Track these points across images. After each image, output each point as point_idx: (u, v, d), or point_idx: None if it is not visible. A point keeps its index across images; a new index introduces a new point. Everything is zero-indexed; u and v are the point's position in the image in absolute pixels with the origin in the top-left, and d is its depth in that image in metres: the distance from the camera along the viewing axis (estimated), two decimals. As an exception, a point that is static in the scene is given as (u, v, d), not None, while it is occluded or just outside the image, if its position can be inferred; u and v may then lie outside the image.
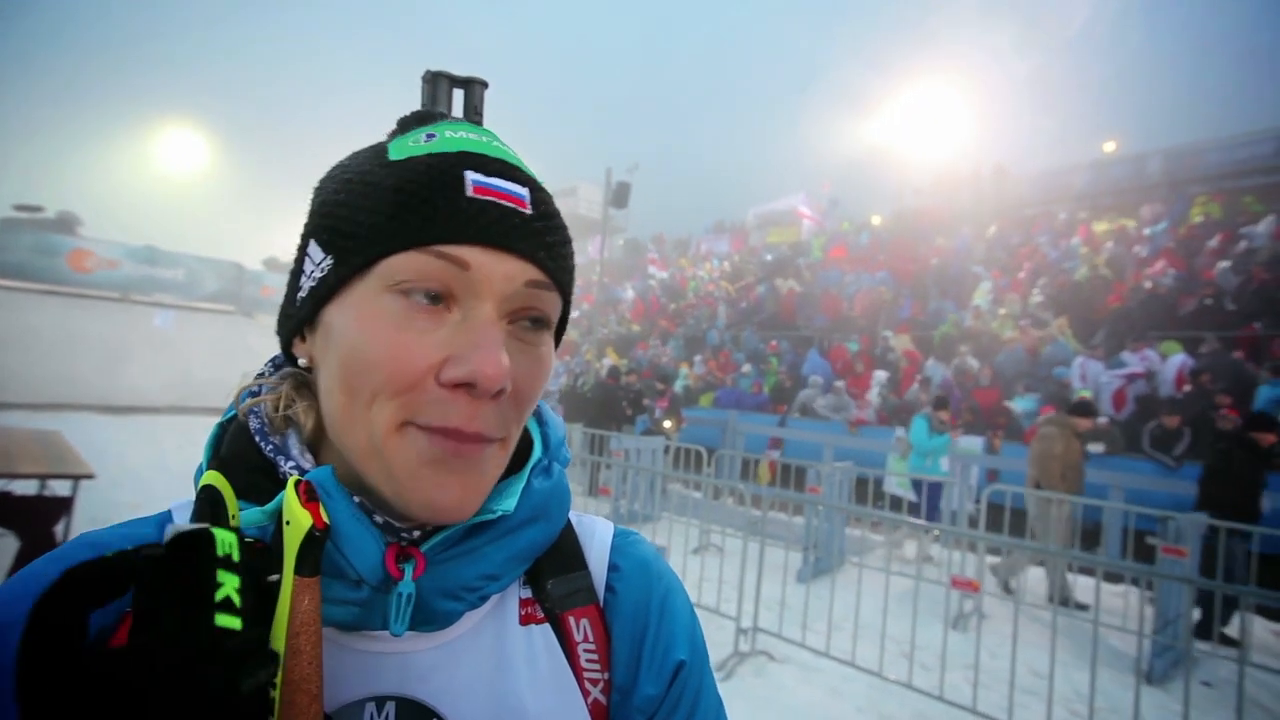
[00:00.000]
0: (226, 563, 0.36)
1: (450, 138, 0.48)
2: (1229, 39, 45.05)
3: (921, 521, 5.93)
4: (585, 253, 29.14)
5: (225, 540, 0.36)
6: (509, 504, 0.50)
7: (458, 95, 0.60)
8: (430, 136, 0.48)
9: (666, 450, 8.24)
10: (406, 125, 0.52)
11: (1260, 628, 5.01)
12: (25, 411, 11.71)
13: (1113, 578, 5.83)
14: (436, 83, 0.60)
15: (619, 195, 14.22)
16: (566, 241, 0.50)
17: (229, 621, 0.34)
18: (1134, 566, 4.44)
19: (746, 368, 12.56)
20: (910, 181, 22.73)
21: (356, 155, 0.50)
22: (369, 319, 0.44)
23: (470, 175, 0.45)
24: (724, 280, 19.09)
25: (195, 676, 0.32)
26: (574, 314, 17.59)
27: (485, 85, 0.62)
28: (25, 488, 4.14)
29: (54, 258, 15.34)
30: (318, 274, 0.47)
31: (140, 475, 7.50)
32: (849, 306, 13.80)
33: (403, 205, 0.44)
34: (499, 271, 0.45)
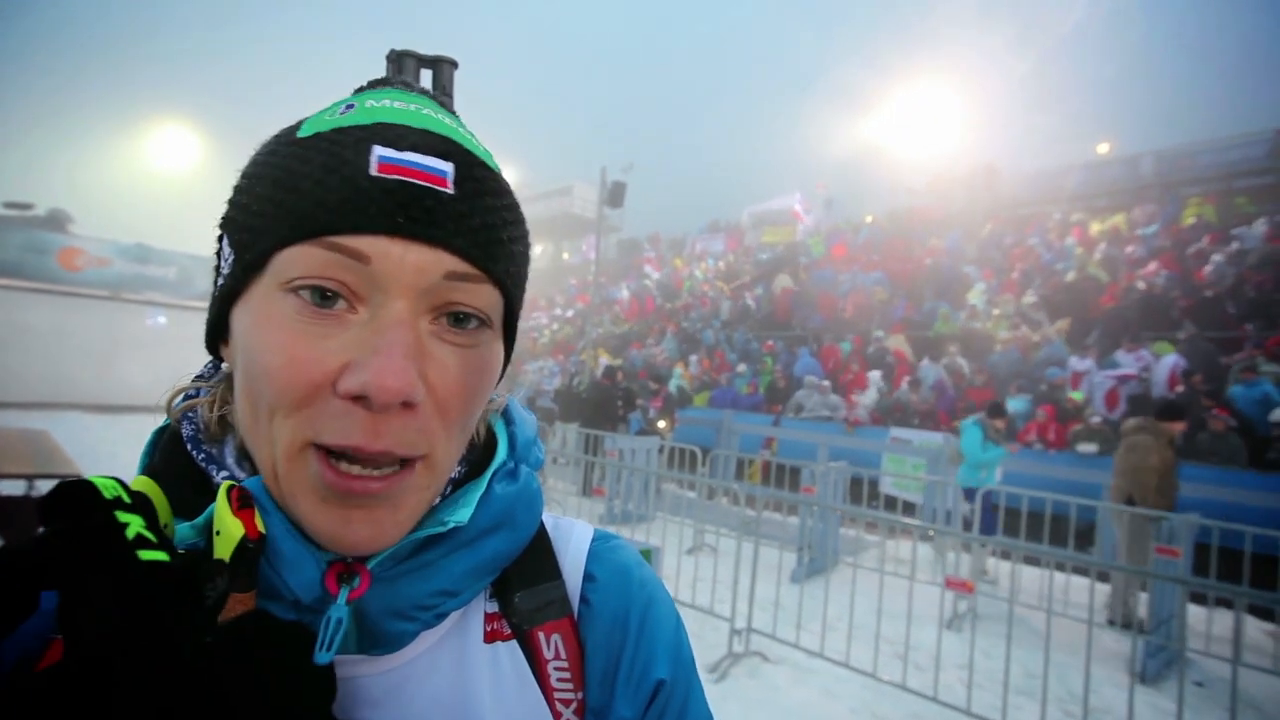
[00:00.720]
0: (119, 505, 0.34)
1: (369, 108, 0.42)
2: (1222, 41, 45.36)
3: (916, 521, 5.92)
4: (580, 252, 29.17)
5: (107, 485, 0.35)
6: (463, 514, 0.45)
7: (426, 76, 0.57)
8: (349, 108, 0.42)
9: (661, 450, 8.23)
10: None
11: (1252, 628, 5.02)
12: (15, 410, 11.61)
13: (1107, 578, 5.84)
14: (402, 63, 0.56)
15: (614, 195, 14.19)
16: (503, 224, 0.43)
17: (155, 555, 0.33)
18: (1128, 567, 4.45)
19: (741, 368, 12.57)
20: (904, 182, 22.80)
21: (276, 133, 0.45)
22: (264, 323, 0.39)
23: (378, 151, 0.39)
24: (719, 280, 19.10)
25: (153, 614, 0.31)
26: (568, 313, 17.47)
27: (454, 65, 0.58)
28: (12, 488, 4.09)
29: (45, 256, 15.24)
30: (226, 269, 0.43)
31: (130, 475, 7.42)
32: (843, 306, 13.82)
33: (293, 190, 0.39)
34: (408, 263, 0.38)
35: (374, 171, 0.39)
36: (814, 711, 3.63)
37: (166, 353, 15.18)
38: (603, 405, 9.60)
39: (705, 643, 4.28)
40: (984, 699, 3.59)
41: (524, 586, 0.51)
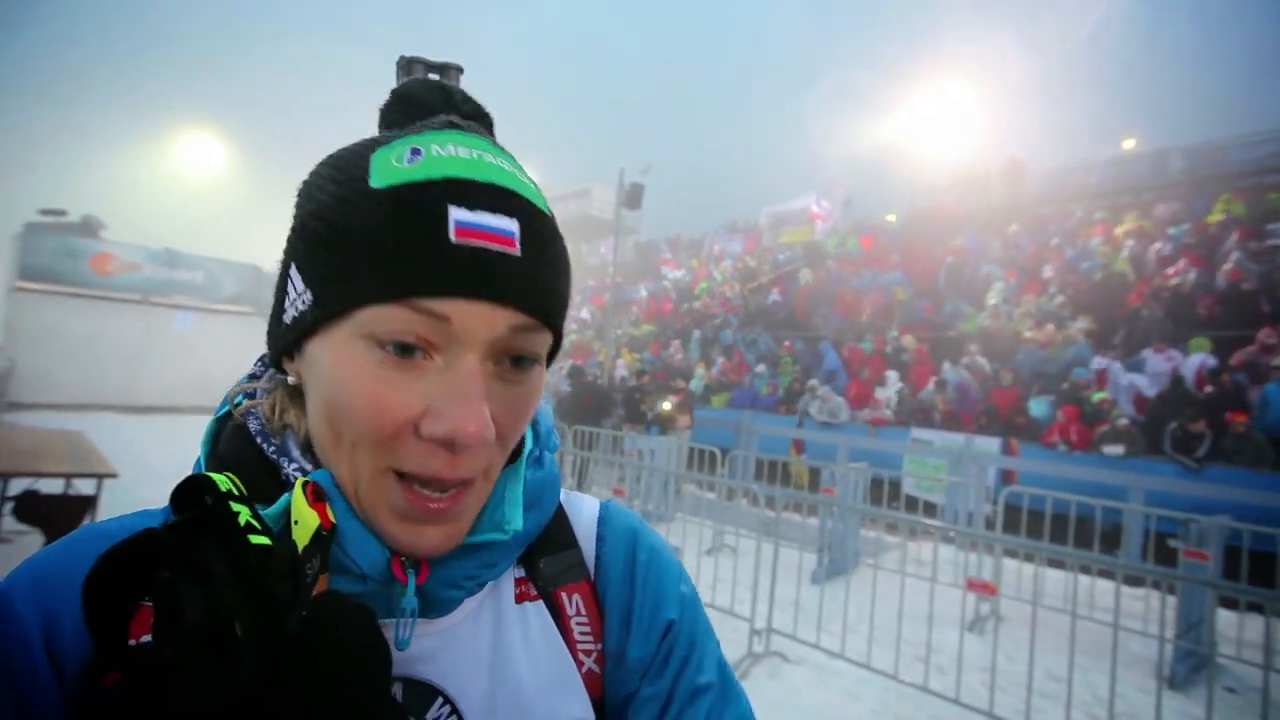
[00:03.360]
0: (230, 496, 0.39)
1: (436, 156, 0.45)
2: (1249, 35, 44.32)
3: (938, 523, 5.87)
4: (599, 254, 29.23)
5: (222, 480, 0.40)
6: (517, 521, 0.52)
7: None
8: (415, 153, 0.45)
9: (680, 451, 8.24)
10: (392, 116, 0.52)
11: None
12: (49, 411, 11.94)
13: (1133, 581, 5.75)
14: (411, 69, 0.59)
15: (632, 196, 14.22)
16: (557, 274, 0.48)
17: (261, 540, 0.38)
18: (1155, 570, 4.38)
19: (761, 368, 12.52)
20: (925, 181, 22.53)
21: (340, 167, 0.47)
22: (348, 366, 0.43)
23: (454, 213, 0.43)
24: (737, 280, 19.04)
25: (263, 587, 0.36)
26: (584, 314, 17.50)
27: (460, 70, 0.61)
28: (51, 486, 4.23)
29: (77, 261, 15.64)
30: (300, 305, 0.46)
31: (162, 474, 7.60)
32: (862, 306, 13.70)
33: (380, 251, 0.42)
34: (483, 321, 0.43)
35: (453, 238, 0.42)
36: (835, 713, 3.63)
37: (194, 355, 15.52)
38: (589, 404, 10.21)
39: (725, 643, 4.19)
40: (1007, 702, 3.56)
41: (547, 554, 0.58)
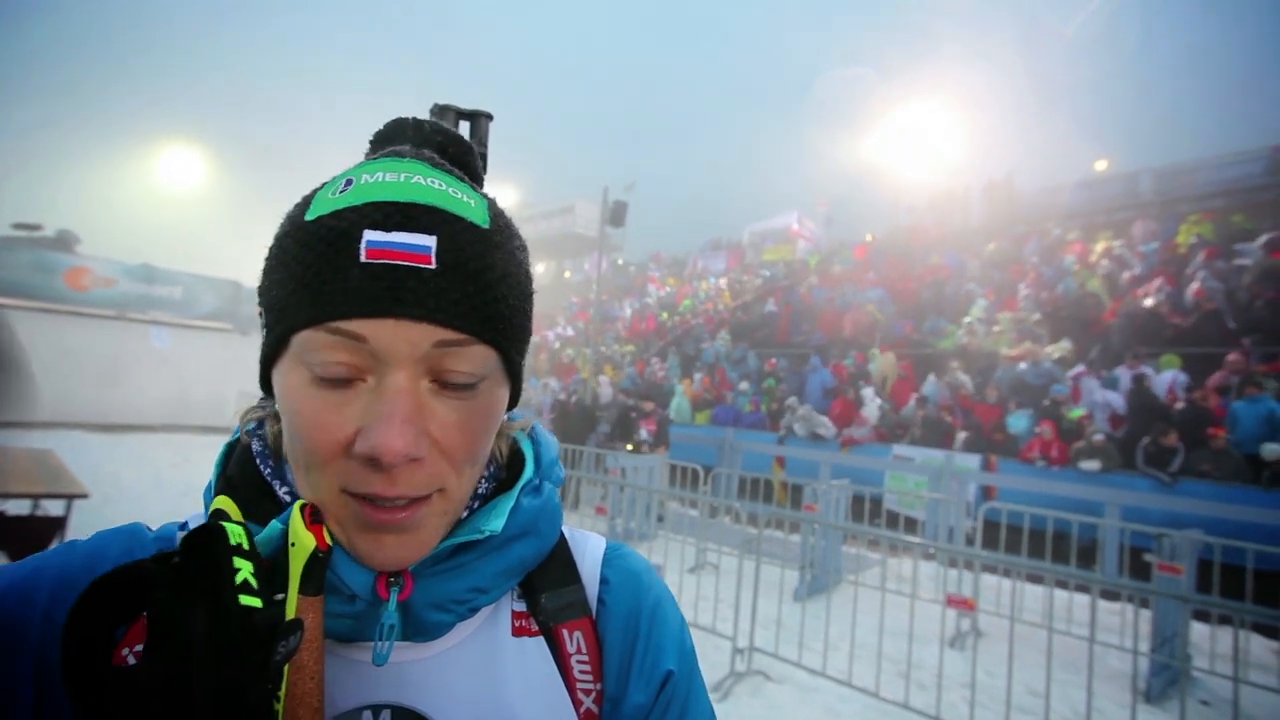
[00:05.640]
0: (239, 551, 0.39)
1: (365, 185, 0.46)
2: (1218, 59, 45.82)
3: (918, 539, 5.90)
4: (582, 271, 29.30)
5: (235, 531, 0.40)
6: (496, 524, 0.51)
7: (464, 128, 0.61)
8: (348, 184, 0.46)
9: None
10: (374, 147, 0.54)
11: (1258, 646, 4.99)
12: (20, 429, 11.67)
13: (1109, 595, 5.82)
14: (444, 116, 0.61)
15: (616, 214, 14.28)
16: (488, 286, 0.46)
17: (251, 601, 0.38)
18: (1130, 584, 4.45)
19: (744, 385, 12.57)
20: (904, 200, 22.89)
21: (294, 206, 0.49)
22: (292, 390, 0.45)
23: (368, 236, 0.43)
24: (724, 292, 19.17)
25: (235, 652, 0.36)
26: (569, 332, 17.39)
27: (490, 118, 0.63)
28: (18, 507, 4.12)
29: (52, 275, 15.40)
30: (263, 338, 0.49)
31: (135, 494, 7.46)
32: (844, 323, 13.84)
33: (299, 279, 0.44)
34: (400, 338, 0.43)
35: (363, 259, 0.43)
36: (816, 731, 3.62)
37: (171, 372, 15.26)
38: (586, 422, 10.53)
39: (708, 662, 4.27)
40: (987, 718, 3.58)
41: (548, 589, 0.57)
